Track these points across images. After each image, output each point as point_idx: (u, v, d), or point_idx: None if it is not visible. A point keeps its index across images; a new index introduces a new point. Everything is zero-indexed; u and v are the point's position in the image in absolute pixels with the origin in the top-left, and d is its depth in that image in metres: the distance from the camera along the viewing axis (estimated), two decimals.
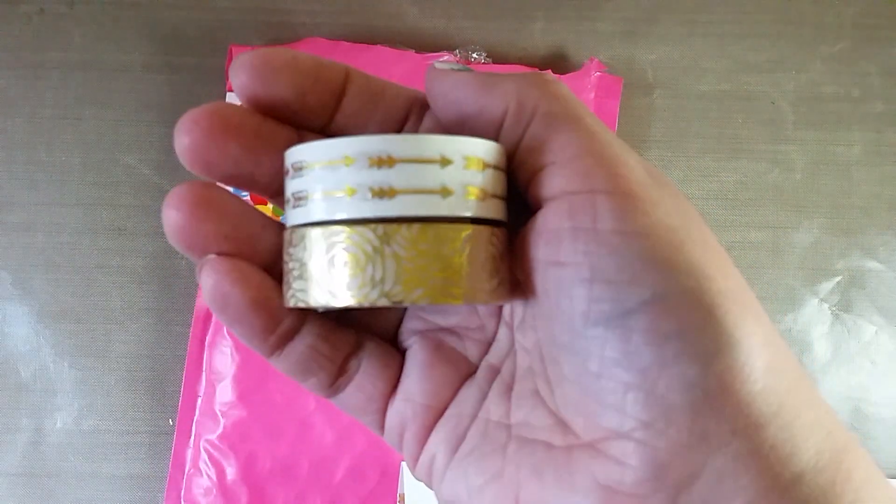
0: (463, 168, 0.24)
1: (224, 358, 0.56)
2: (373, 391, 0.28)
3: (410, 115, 0.28)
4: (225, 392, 0.55)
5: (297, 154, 0.25)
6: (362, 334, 0.29)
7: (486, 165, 0.25)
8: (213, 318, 0.56)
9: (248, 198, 0.50)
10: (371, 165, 0.24)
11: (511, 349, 0.28)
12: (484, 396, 0.28)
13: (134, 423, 0.58)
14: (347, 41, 0.59)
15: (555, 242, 0.24)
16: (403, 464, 0.55)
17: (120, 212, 0.59)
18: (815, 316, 0.61)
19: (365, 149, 0.24)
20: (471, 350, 0.29)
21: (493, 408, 0.27)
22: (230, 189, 0.27)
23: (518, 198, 0.27)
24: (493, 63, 0.60)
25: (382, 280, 0.23)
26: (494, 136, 0.26)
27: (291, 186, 0.25)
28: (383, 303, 0.23)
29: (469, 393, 0.28)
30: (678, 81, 0.62)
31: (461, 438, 0.27)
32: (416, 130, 0.28)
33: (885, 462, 0.60)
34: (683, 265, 0.23)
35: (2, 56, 0.60)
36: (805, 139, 0.62)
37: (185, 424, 0.56)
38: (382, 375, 0.28)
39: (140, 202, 0.59)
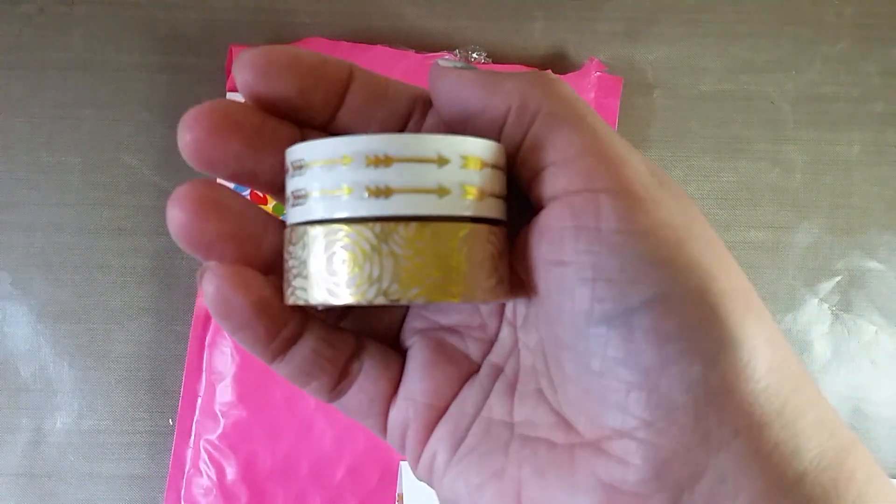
0: (460, 167, 0.24)
1: (224, 358, 0.56)
2: (375, 392, 0.28)
3: (414, 112, 0.28)
4: (225, 392, 0.55)
5: (297, 153, 0.25)
6: (363, 336, 0.29)
7: (484, 165, 0.25)
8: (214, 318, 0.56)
9: (247, 194, 0.50)
10: (368, 165, 0.24)
11: (514, 348, 0.28)
12: (486, 395, 0.28)
13: (134, 422, 0.58)
14: (347, 41, 0.59)
15: (557, 242, 0.24)
16: (403, 464, 0.55)
17: (120, 212, 0.59)
18: (815, 316, 0.61)
19: (362, 148, 0.24)
20: (472, 349, 0.29)
21: (496, 406, 0.27)
22: (232, 186, 0.27)
23: (520, 197, 0.27)
24: (493, 63, 0.60)
25: (380, 278, 0.24)
26: (497, 134, 0.26)
27: (291, 185, 0.25)
28: (381, 301, 0.24)
29: (471, 391, 0.28)
30: (678, 81, 0.62)
31: (462, 437, 0.27)
32: (419, 128, 0.28)
33: (885, 461, 0.60)
34: (686, 264, 0.23)
35: (2, 56, 0.60)
36: (805, 139, 0.62)
37: (185, 424, 0.56)
38: (384, 376, 0.28)
39: (140, 202, 0.59)
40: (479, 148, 0.25)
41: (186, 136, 0.25)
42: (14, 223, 0.58)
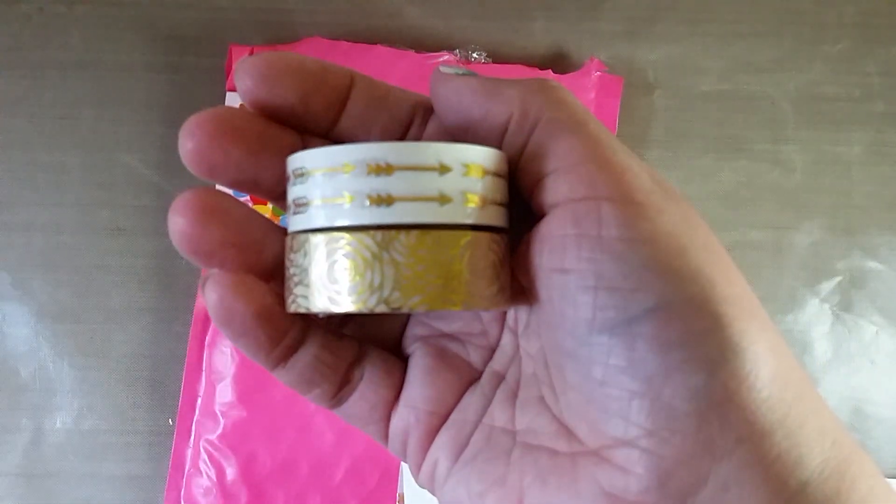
0: (462, 175, 0.24)
1: (224, 358, 0.56)
2: (376, 399, 0.28)
3: (415, 119, 0.28)
4: (225, 392, 0.55)
5: (298, 161, 0.25)
6: (365, 343, 0.29)
7: (485, 172, 0.25)
8: None
9: (247, 198, 0.50)
10: (370, 173, 0.24)
11: (516, 355, 0.28)
12: (488, 402, 0.28)
13: (133, 423, 0.58)
14: (347, 41, 0.59)
15: (559, 249, 0.24)
16: (404, 464, 0.55)
17: (119, 212, 0.58)
18: (815, 316, 0.61)
19: (363, 156, 0.24)
20: (474, 356, 0.29)
21: (498, 414, 0.27)
22: (233, 193, 0.27)
23: (522, 204, 0.27)
24: (493, 63, 0.60)
25: (381, 286, 0.24)
26: (498, 141, 0.26)
27: (293, 193, 0.25)
28: (382, 309, 0.24)
29: (473, 399, 0.28)
30: (679, 81, 0.62)
31: (464, 444, 0.27)
32: (420, 134, 0.28)
33: (885, 462, 0.60)
34: (688, 272, 0.23)
35: (1, 55, 0.60)
36: (805, 139, 0.62)
37: (184, 424, 0.56)
38: (385, 383, 0.28)
39: (140, 202, 0.58)
40: (481, 155, 0.25)
41: (188, 144, 0.25)
42: (13, 223, 0.58)
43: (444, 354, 0.29)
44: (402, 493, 0.55)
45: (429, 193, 0.24)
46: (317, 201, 0.24)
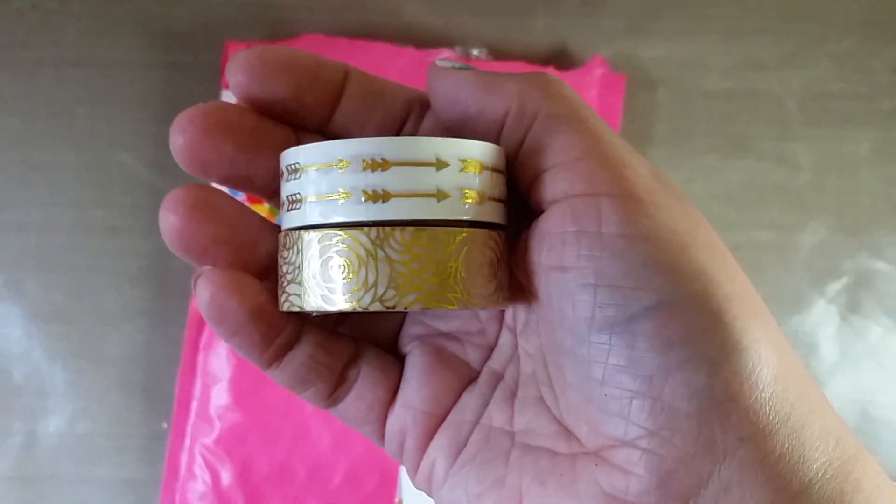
0: (459, 171, 0.24)
1: (219, 360, 0.56)
2: (372, 399, 0.28)
3: (411, 114, 0.28)
4: (220, 395, 0.55)
5: (293, 156, 0.25)
6: (361, 342, 0.29)
7: (483, 168, 0.25)
8: None
9: (244, 197, 0.50)
10: (365, 168, 0.24)
11: (514, 354, 0.28)
12: (486, 402, 0.28)
13: (128, 426, 0.58)
14: (345, 37, 0.59)
15: (558, 246, 0.24)
16: (402, 468, 0.55)
17: (114, 211, 0.59)
18: (822, 317, 0.61)
19: (359, 151, 0.24)
20: (472, 355, 0.29)
21: (496, 414, 0.27)
22: (226, 190, 0.27)
23: (520, 200, 0.27)
24: (494, 59, 0.60)
25: (376, 284, 0.24)
26: (496, 136, 0.26)
27: (286, 189, 0.26)
28: (377, 307, 0.24)
29: (470, 399, 0.28)
30: (682, 79, 0.62)
31: (462, 445, 0.27)
32: (416, 130, 0.28)
33: (892, 465, 0.60)
34: (689, 269, 0.23)
35: None
36: (811, 137, 0.62)
37: (179, 428, 0.56)
38: (382, 383, 0.28)
39: (134, 201, 0.59)
40: (479, 150, 0.25)
41: (179, 140, 0.25)
42: (6, 223, 0.58)
43: (442, 354, 0.29)
44: (401, 498, 0.55)
45: (426, 189, 0.24)
46: (311, 197, 0.24)
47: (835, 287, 0.61)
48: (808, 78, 0.62)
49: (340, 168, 0.24)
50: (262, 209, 0.52)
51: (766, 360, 0.22)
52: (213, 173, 0.26)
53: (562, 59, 0.61)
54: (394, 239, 0.24)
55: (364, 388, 0.28)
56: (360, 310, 0.24)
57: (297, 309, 0.25)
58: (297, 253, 0.25)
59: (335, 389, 0.28)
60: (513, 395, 0.27)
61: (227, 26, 0.60)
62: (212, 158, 0.25)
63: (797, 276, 0.61)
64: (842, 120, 0.62)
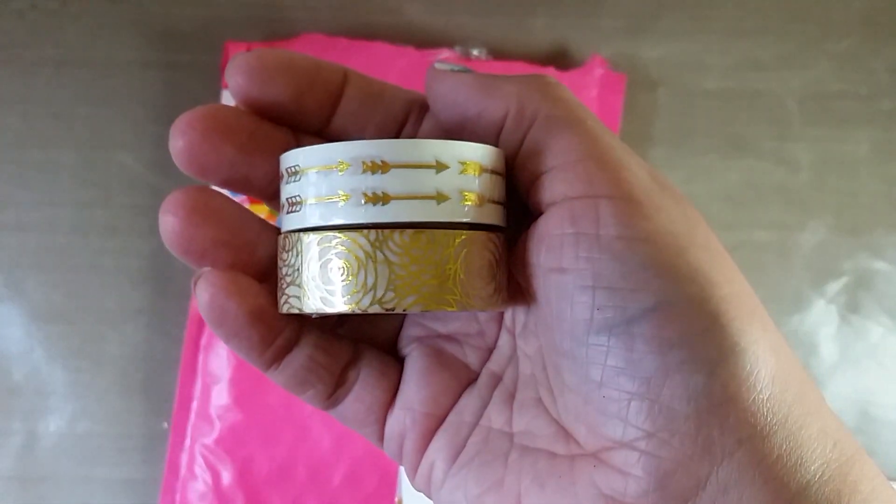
0: (459, 173, 0.24)
1: (220, 360, 0.56)
2: (372, 401, 0.28)
3: (410, 116, 0.28)
4: (221, 395, 0.55)
5: (292, 158, 0.25)
6: (360, 343, 0.29)
7: (483, 170, 0.25)
8: None
9: (244, 199, 0.50)
10: (365, 170, 0.24)
11: (513, 356, 0.28)
12: (485, 404, 0.28)
13: (128, 426, 0.57)
14: (345, 37, 0.59)
15: (556, 248, 0.24)
16: (402, 468, 0.55)
17: (114, 211, 0.58)
18: (821, 317, 0.61)
19: (359, 154, 0.24)
20: (471, 357, 0.29)
21: (495, 416, 0.27)
22: (226, 192, 0.27)
23: (519, 202, 0.27)
24: (494, 59, 0.60)
25: (375, 286, 0.24)
26: (495, 138, 0.26)
27: (286, 191, 0.26)
28: (376, 309, 0.24)
29: (470, 400, 0.28)
30: (682, 79, 0.62)
31: (461, 446, 0.27)
32: (415, 132, 0.28)
33: (891, 465, 0.60)
34: (687, 271, 0.23)
35: None
36: (811, 137, 0.62)
37: (179, 428, 0.56)
38: (381, 384, 0.28)
39: (134, 201, 0.59)
40: (478, 153, 0.25)
41: (178, 142, 0.25)
42: (6, 223, 0.58)
43: (441, 355, 0.29)
44: (401, 498, 0.55)
45: (425, 191, 0.24)
46: (311, 200, 0.24)
47: (835, 287, 0.61)
48: (808, 78, 0.62)
49: (340, 170, 0.24)
50: (262, 210, 0.52)
51: (764, 362, 0.22)
52: (213, 175, 0.26)
53: (562, 59, 0.61)
54: (393, 241, 0.24)
55: (363, 389, 0.28)
56: (359, 312, 0.24)
57: (296, 311, 0.25)
58: (297, 255, 0.25)
59: (334, 391, 0.28)
60: (511, 396, 0.27)
61: (227, 26, 0.60)
62: (211, 161, 0.25)
63: (797, 276, 0.61)
64: (842, 120, 0.62)
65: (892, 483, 0.24)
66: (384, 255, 0.23)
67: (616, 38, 0.62)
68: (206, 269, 0.26)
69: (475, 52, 0.60)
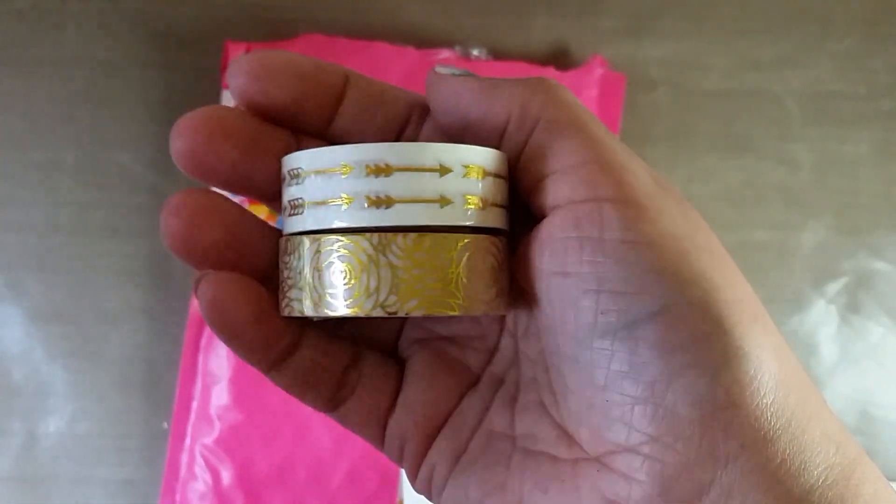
0: (462, 176, 0.24)
1: (220, 360, 0.55)
2: (373, 403, 0.28)
3: (411, 119, 0.28)
4: (221, 395, 0.55)
5: (294, 161, 0.25)
6: (361, 346, 0.29)
7: (486, 174, 0.25)
8: None
9: (244, 200, 0.50)
10: (368, 174, 0.24)
11: (515, 359, 0.28)
12: (487, 407, 0.28)
13: (128, 426, 0.57)
14: (345, 37, 0.59)
15: (560, 252, 0.24)
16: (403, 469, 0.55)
17: (114, 211, 0.58)
18: (822, 317, 0.61)
19: (362, 157, 0.24)
20: (472, 359, 0.29)
21: (497, 419, 0.27)
22: (227, 194, 0.27)
23: (521, 206, 0.26)
24: (494, 59, 0.60)
25: (377, 290, 0.24)
26: (497, 142, 0.26)
27: (288, 194, 0.25)
28: (379, 313, 0.24)
29: (471, 403, 0.28)
30: (682, 79, 0.62)
31: (462, 449, 0.27)
32: (417, 135, 0.28)
33: (892, 465, 0.60)
34: (691, 275, 0.23)
35: None
36: (812, 137, 0.62)
37: (179, 428, 0.56)
38: (382, 387, 0.28)
39: (134, 201, 0.58)
40: (481, 156, 0.25)
41: (179, 144, 0.25)
42: (6, 223, 0.58)
43: (442, 358, 0.29)
44: (402, 499, 0.55)
45: (429, 195, 0.24)
46: (313, 203, 0.24)
47: (835, 287, 0.61)
48: (808, 78, 0.62)
49: (343, 173, 0.24)
50: (262, 210, 0.52)
51: (767, 366, 0.22)
52: (213, 177, 0.26)
53: (561, 60, 0.61)
54: (396, 245, 0.23)
55: (364, 392, 0.28)
56: (361, 315, 0.24)
57: (298, 314, 0.25)
58: (299, 258, 0.25)
59: (335, 394, 0.28)
60: (514, 399, 0.27)
61: (228, 27, 0.60)
62: (212, 162, 0.25)
63: (797, 276, 0.61)
64: (842, 120, 0.62)
65: (893, 485, 0.24)
66: (387, 258, 0.23)
67: (616, 38, 0.62)
68: (208, 271, 0.26)
69: (475, 53, 0.60)
